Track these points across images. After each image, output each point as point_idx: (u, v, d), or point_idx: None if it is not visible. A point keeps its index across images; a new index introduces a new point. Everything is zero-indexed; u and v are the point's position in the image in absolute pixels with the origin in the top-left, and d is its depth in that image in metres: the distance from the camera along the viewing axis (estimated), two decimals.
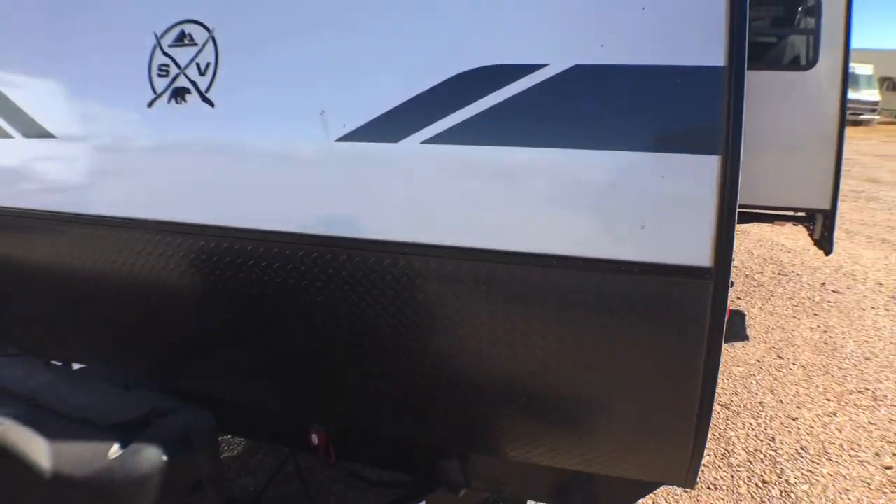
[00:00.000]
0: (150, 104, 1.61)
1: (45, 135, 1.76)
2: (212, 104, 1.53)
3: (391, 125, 1.35)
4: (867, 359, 4.43)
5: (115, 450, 1.14)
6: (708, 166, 1.16)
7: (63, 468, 1.13)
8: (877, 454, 3.32)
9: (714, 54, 1.15)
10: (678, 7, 1.17)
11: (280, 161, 1.49)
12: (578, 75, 1.23)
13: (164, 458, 1.15)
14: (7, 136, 1.82)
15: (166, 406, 1.28)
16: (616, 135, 1.22)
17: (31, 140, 1.79)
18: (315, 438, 1.93)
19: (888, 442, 3.43)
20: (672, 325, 1.24)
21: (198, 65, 1.55)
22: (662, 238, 1.21)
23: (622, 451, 1.47)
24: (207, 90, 1.54)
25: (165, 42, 1.59)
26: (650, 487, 1.72)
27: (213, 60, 1.53)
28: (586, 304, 1.28)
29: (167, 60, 1.58)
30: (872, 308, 5.45)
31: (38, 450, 1.17)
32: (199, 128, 1.55)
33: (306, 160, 1.46)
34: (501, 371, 1.41)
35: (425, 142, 1.33)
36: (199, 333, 1.71)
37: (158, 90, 1.60)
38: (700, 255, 1.19)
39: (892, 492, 3.02)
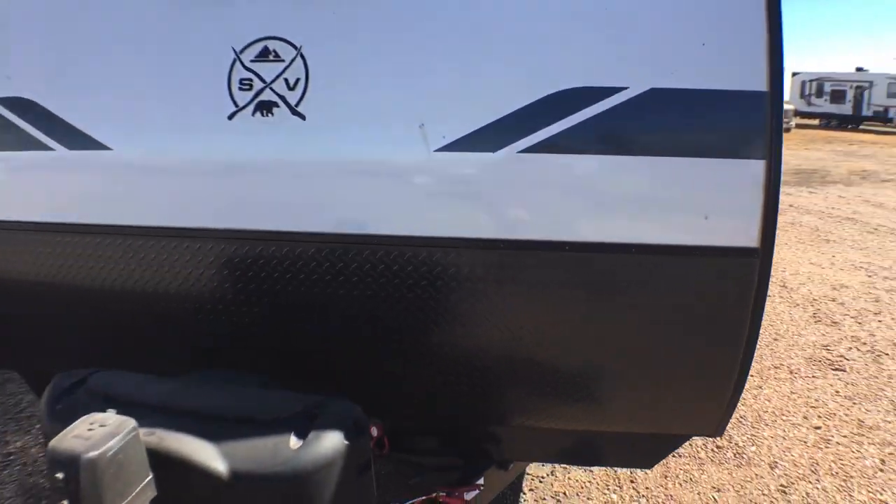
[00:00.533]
0: (231, 117, 1.66)
1: (100, 147, 1.72)
2: (303, 117, 1.63)
3: (490, 137, 1.55)
4: (775, 339, 5.25)
5: (294, 441, 1.22)
6: (756, 169, 1.50)
7: (242, 467, 1.18)
8: (805, 417, 4.00)
9: (759, 82, 1.48)
10: (729, 44, 1.50)
11: (377, 170, 1.62)
12: (653, 97, 1.51)
13: (345, 442, 1.25)
14: (47, 148, 1.76)
15: (319, 399, 1.37)
16: (684, 145, 1.51)
17: (80, 152, 1.74)
18: (374, 431, 2.04)
19: (811, 407, 4.14)
20: (729, 294, 1.57)
21: (286, 80, 1.63)
22: (721, 226, 1.53)
23: (674, 407, 1.78)
24: (298, 104, 1.63)
25: (246, 57, 1.65)
26: (683, 440, 2.06)
27: (303, 76, 1.62)
28: (662, 284, 1.57)
29: (249, 75, 1.65)
30: (769, 296, 6.40)
31: (207, 454, 1.21)
32: (290, 139, 1.64)
33: (405, 169, 1.61)
34: (597, 348, 1.66)
35: (522, 151, 1.54)
36: (291, 337, 1.77)
37: (240, 103, 1.65)
38: (750, 238, 1.53)
39: (826, 447, 3.68)
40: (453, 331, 1.69)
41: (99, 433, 1.07)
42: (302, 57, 1.62)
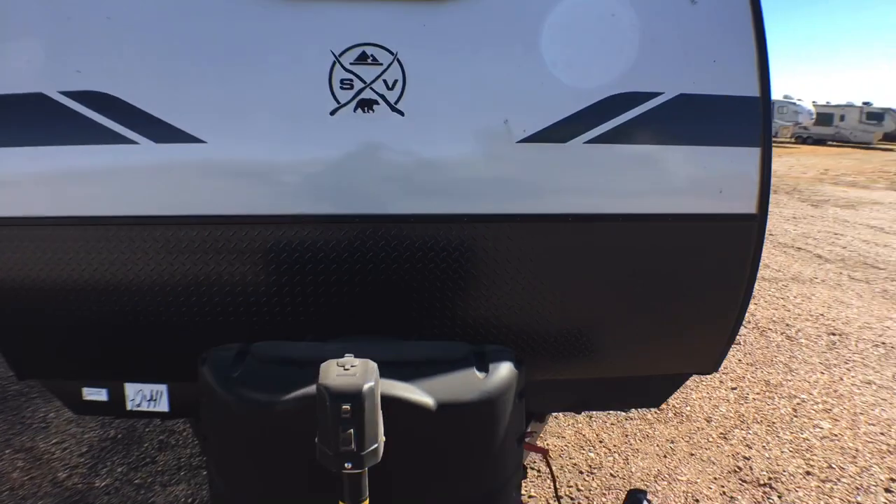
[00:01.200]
0: (333, 113, 1.87)
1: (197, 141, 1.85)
2: (402, 114, 1.88)
3: (562, 130, 1.91)
4: None
5: (479, 374, 1.46)
6: (754, 154, 2.00)
7: (444, 398, 1.40)
8: (720, 381, 4.72)
9: (752, 88, 1.99)
10: (731, 62, 1.99)
11: (468, 159, 1.92)
12: (681, 100, 1.96)
13: (515, 371, 1.51)
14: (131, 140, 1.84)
15: (475, 344, 1.62)
16: (704, 136, 1.98)
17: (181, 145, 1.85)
18: None
19: (724, 374, 4.88)
20: (736, 249, 2.05)
21: (385, 81, 1.88)
22: (731, 198, 2.01)
23: (686, 349, 2.23)
24: (397, 102, 1.88)
25: (346, 60, 1.88)
26: (686, 379, 2.52)
27: (400, 78, 1.88)
28: (688, 243, 2.02)
29: (350, 76, 1.88)
30: None
31: (415, 391, 1.41)
32: (390, 133, 1.88)
33: (491, 158, 1.92)
34: (638, 300, 2.06)
35: (587, 142, 1.93)
36: (402, 305, 1.98)
37: (342, 101, 1.88)
38: (750, 206, 2.02)
39: (746, 403, 4.39)
40: (533, 290, 2.01)
41: (359, 370, 1.25)
42: (399, 61, 1.88)
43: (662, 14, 1.97)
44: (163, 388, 2.22)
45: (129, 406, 2.23)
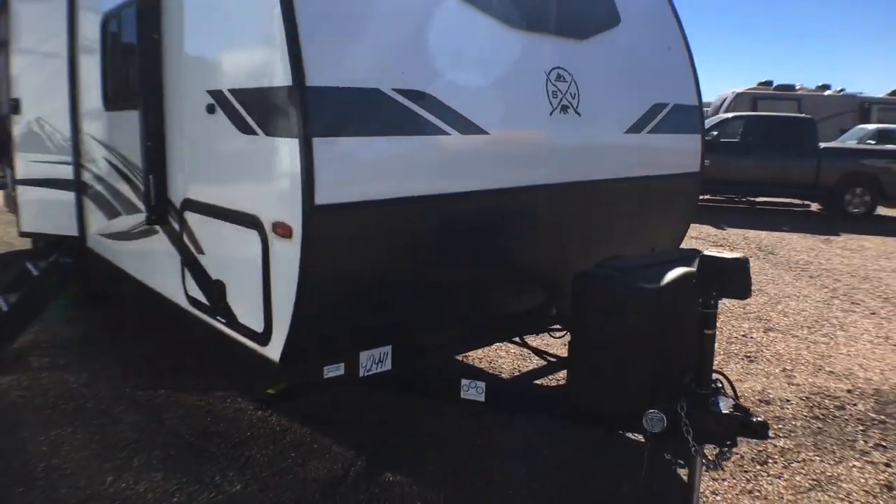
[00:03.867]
0: (550, 114, 2.76)
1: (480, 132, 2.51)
2: (579, 114, 2.89)
3: (638, 125, 3.21)
4: None
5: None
6: (697, 139, 3.67)
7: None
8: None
9: (693, 99, 3.64)
10: (686, 84, 3.60)
11: (607, 143, 3.05)
12: (676, 107, 3.48)
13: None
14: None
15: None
16: (682, 127, 3.55)
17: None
18: None
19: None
20: (689, 193, 3.72)
21: (570, 93, 2.85)
22: (687, 162, 3.65)
23: (674, 232, 3.84)
24: (577, 107, 2.88)
25: (552, 77, 2.77)
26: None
27: (576, 91, 2.88)
28: (675, 190, 3.59)
29: (556, 88, 2.78)
30: None
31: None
32: (576, 129, 2.87)
33: (615, 142, 3.09)
34: (649, 222, 3.54)
35: (647, 133, 3.28)
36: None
37: (553, 106, 2.77)
38: (697, 167, 3.70)
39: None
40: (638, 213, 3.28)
41: (727, 254, 2.29)
42: (574, 81, 2.87)
43: (667, 52, 3.44)
44: (387, 349, 2.67)
45: (361, 373, 2.59)
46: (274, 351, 2.23)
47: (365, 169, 2.16)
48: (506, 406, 2.78)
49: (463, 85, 2.47)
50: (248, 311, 2.38)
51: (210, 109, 2.45)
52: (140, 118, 2.90)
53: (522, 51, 2.69)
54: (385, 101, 2.22)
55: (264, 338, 2.26)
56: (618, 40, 3.13)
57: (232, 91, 2.36)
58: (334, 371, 2.42)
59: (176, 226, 2.87)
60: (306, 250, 2.00)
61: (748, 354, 4.44)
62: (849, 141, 12.63)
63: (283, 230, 2.07)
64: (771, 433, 2.84)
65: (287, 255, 2.08)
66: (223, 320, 2.52)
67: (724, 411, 2.19)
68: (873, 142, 12.19)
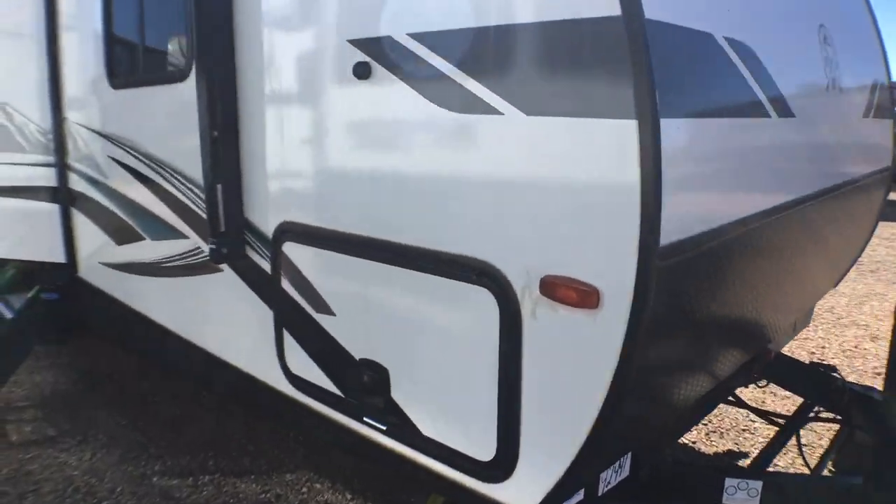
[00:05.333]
0: (826, 89, 1.91)
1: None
2: (840, 90, 2.05)
3: (870, 107, 2.41)
4: None
5: None
6: (889, 125, 2.91)
7: None
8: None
9: (885, 78, 2.87)
10: (876, 57, 2.82)
11: (852, 131, 2.23)
12: (882, 87, 2.70)
13: None
14: None
15: None
16: (886, 111, 2.77)
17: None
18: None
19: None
20: (877, 196, 2.95)
21: (833, 60, 2.00)
22: (882, 155, 2.88)
23: None
24: (836, 79, 2.04)
25: (820, 37, 1.92)
26: None
27: (834, 55, 2.04)
28: (862, 195, 2.82)
29: (826, 53, 1.93)
30: None
31: None
32: (837, 108, 2.03)
33: (857, 130, 2.28)
34: None
35: (873, 117, 2.48)
36: None
37: (827, 77, 1.92)
38: (889, 158, 2.94)
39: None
40: None
41: None
42: (832, 43, 2.02)
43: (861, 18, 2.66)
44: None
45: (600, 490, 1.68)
46: (517, 495, 1.28)
47: (715, 176, 1.24)
48: None
49: (773, 42, 1.57)
50: (451, 421, 1.43)
51: (361, 72, 1.45)
52: (198, 96, 1.85)
53: None
54: (719, 57, 1.29)
55: (495, 469, 1.31)
56: None
57: (422, 36, 1.36)
58: (574, 499, 1.49)
59: (264, 264, 1.85)
60: (633, 329, 1.07)
61: None
62: None
63: (574, 295, 1.12)
64: None
65: (577, 336, 1.15)
66: (381, 427, 1.53)
67: None
68: None
